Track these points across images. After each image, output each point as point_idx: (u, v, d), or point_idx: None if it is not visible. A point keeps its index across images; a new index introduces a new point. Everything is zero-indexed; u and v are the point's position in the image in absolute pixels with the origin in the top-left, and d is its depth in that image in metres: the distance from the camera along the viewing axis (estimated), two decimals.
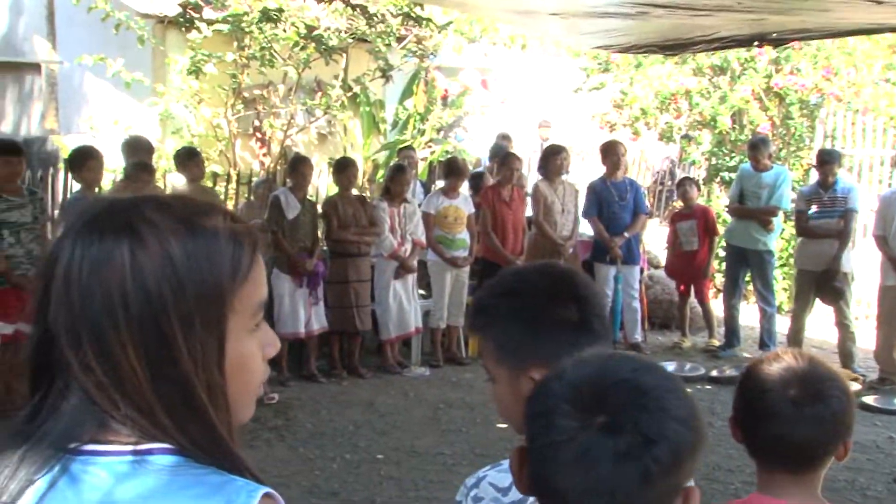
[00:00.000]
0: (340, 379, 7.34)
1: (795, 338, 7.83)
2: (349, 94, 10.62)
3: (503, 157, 8.48)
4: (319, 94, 10.74)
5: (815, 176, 8.44)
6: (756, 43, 6.96)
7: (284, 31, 9.40)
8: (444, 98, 12.69)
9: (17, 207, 6.24)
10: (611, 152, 8.36)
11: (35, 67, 13.13)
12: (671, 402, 1.03)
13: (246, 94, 10.55)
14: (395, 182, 7.71)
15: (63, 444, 0.98)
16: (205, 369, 0.99)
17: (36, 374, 1.02)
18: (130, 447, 0.97)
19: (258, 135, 10.96)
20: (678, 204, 9.53)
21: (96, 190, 6.32)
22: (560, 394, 1.04)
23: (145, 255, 0.98)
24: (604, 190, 8.26)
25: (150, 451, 0.97)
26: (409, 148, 9.94)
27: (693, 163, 11.96)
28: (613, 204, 8.20)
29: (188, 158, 7.23)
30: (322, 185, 9.92)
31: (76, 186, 6.89)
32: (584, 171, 12.09)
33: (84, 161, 6.33)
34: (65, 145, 9.92)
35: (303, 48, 9.64)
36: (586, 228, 8.57)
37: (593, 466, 0.99)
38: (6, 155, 6.27)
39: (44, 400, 1.01)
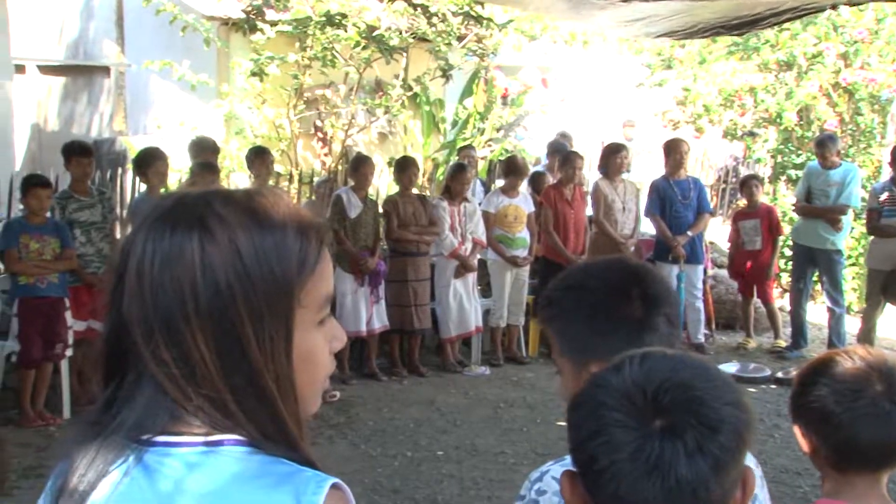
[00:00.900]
0: (401, 377, 7.38)
1: (866, 338, 7.63)
2: (409, 93, 10.65)
3: (565, 155, 8.42)
4: (380, 93, 10.80)
5: (887, 173, 8.21)
6: (830, 5, 6.59)
7: (346, 31, 9.47)
8: (504, 97, 12.65)
9: (87, 207, 6.41)
10: (674, 150, 8.26)
11: (104, 70, 13.48)
12: (716, 387, 1.03)
13: (307, 95, 10.65)
14: (455, 181, 7.71)
15: (136, 435, 1.00)
16: (274, 361, 1.00)
17: (108, 366, 1.05)
18: (202, 438, 0.99)
19: (319, 134, 11.07)
20: (742, 202, 9.36)
21: (162, 190, 6.43)
22: (610, 405, 1.03)
23: (214, 248, 0.99)
24: (667, 188, 8.15)
25: (220, 443, 0.99)
26: (469, 147, 9.93)
27: (758, 161, 11.73)
28: (676, 203, 8.10)
29: (257, 156, 7.30)
30: (382, 184, 9.97)
31: (143, 186, 7.02)
32: (647, 168, 11.95)
33: (150, 162, 6.46)
34: (132, 146, 10.14)
35: (364, 48, 9.70)
36: (648, 227, 8.48)
37: (670, 471, 0.99)
38: (77, 156, 6.44)
39: (117, 391, 1.03)
